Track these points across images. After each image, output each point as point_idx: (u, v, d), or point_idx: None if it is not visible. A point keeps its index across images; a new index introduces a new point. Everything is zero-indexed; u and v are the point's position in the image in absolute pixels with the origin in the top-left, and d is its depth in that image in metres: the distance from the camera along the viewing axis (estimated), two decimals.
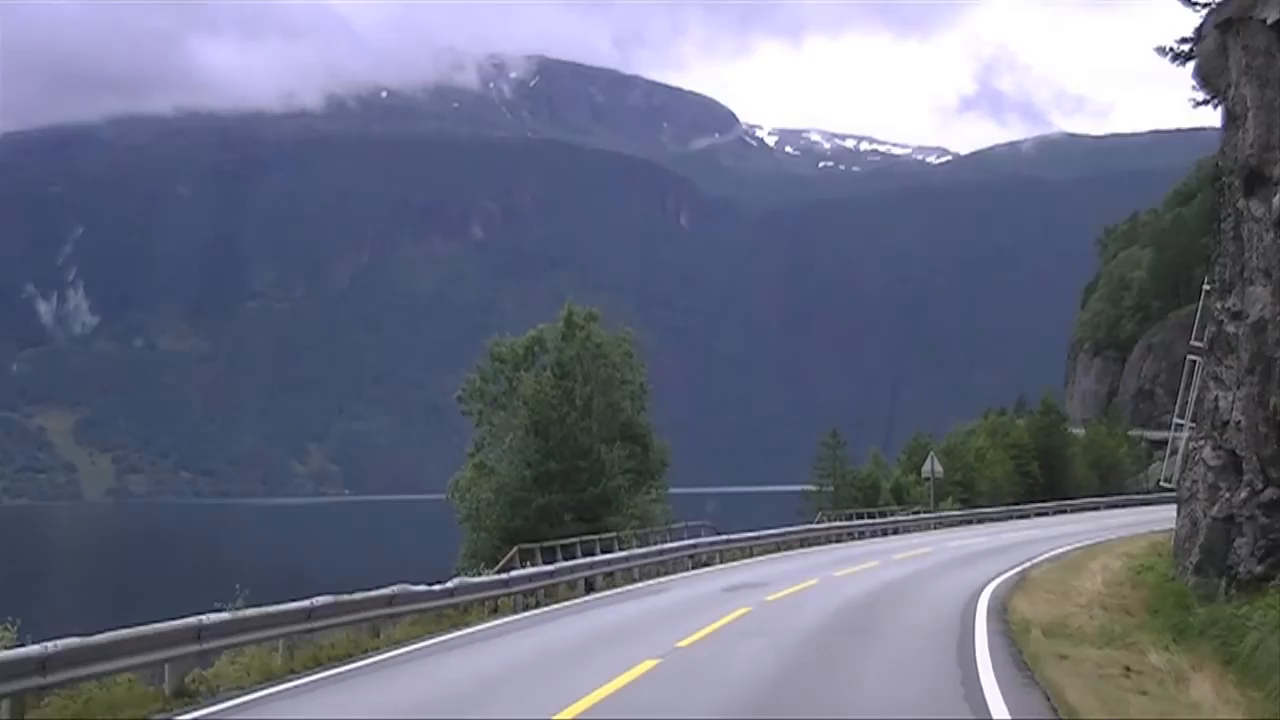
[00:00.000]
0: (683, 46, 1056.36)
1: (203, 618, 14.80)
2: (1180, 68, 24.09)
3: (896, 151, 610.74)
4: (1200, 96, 24.19)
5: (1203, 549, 18.53)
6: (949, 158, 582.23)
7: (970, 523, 58.03)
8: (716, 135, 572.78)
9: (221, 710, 13.42)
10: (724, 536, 39.02)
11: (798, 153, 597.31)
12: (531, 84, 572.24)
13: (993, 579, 26.33)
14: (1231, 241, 18.20)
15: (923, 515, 57.68)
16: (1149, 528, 39.13)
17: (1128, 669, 13.81)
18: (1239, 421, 17.47)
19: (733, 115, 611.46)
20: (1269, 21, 16.74)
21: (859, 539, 48.05)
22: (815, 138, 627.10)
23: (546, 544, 30.74)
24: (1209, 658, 14.17)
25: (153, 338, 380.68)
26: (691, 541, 36.86)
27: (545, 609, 24.32)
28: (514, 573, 25.25)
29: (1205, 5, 21.99)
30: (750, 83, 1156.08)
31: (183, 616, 14.77)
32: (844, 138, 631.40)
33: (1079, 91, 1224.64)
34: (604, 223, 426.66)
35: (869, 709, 12.13)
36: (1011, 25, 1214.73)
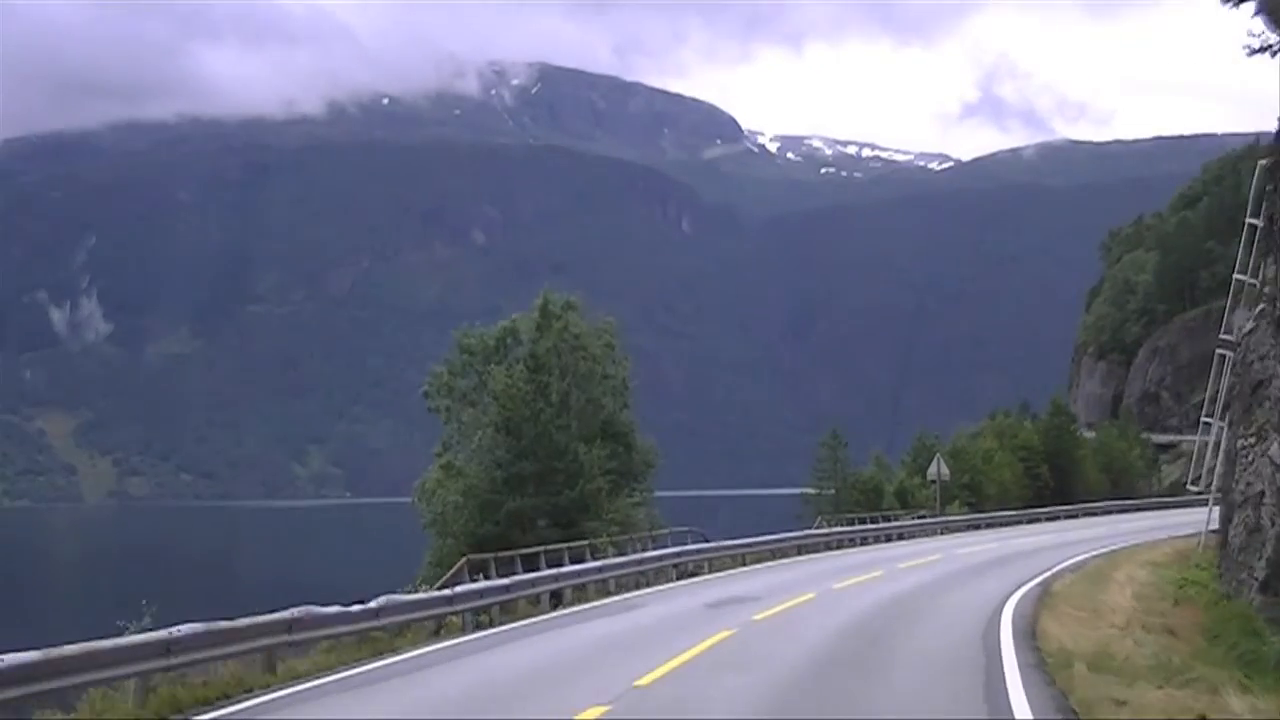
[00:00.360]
0: (684, 53, 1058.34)
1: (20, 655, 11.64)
2: (1234, 9, 21.55)
3: (898, 158, 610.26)
4: (1255, 44, 21.91)
5: (1270, 563, 15.61)
6: (951, 164, 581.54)
7: (978, 527, 56.05)
8: (718, 142, 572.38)
9: None
10: (712, 544, 36.12)
11: (800, 159, 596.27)
12: (533, 91, 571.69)
13: (1012, 592, 23.76)
14: None
15: (928, 520, 55.58)
16: (1168, 533, 38.93)
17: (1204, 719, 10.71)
18: None
19: (735, 122, 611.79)
20: None
21: (861, 545, 45.51)
22: (817, 144, 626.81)
23: (502, 554, 27.65)
24: None
25: (154, 341, 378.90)
26: (674, 550, 33.87)
27: (500, 628, 21.39)
28: (461, 588, 22.09)
29: None
30: (752, 89, 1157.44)
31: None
32: (846, 144, 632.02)
33: (1081, 98, 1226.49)
34: (605, 229, 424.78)
35: None
36: (1013, 32, 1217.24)
